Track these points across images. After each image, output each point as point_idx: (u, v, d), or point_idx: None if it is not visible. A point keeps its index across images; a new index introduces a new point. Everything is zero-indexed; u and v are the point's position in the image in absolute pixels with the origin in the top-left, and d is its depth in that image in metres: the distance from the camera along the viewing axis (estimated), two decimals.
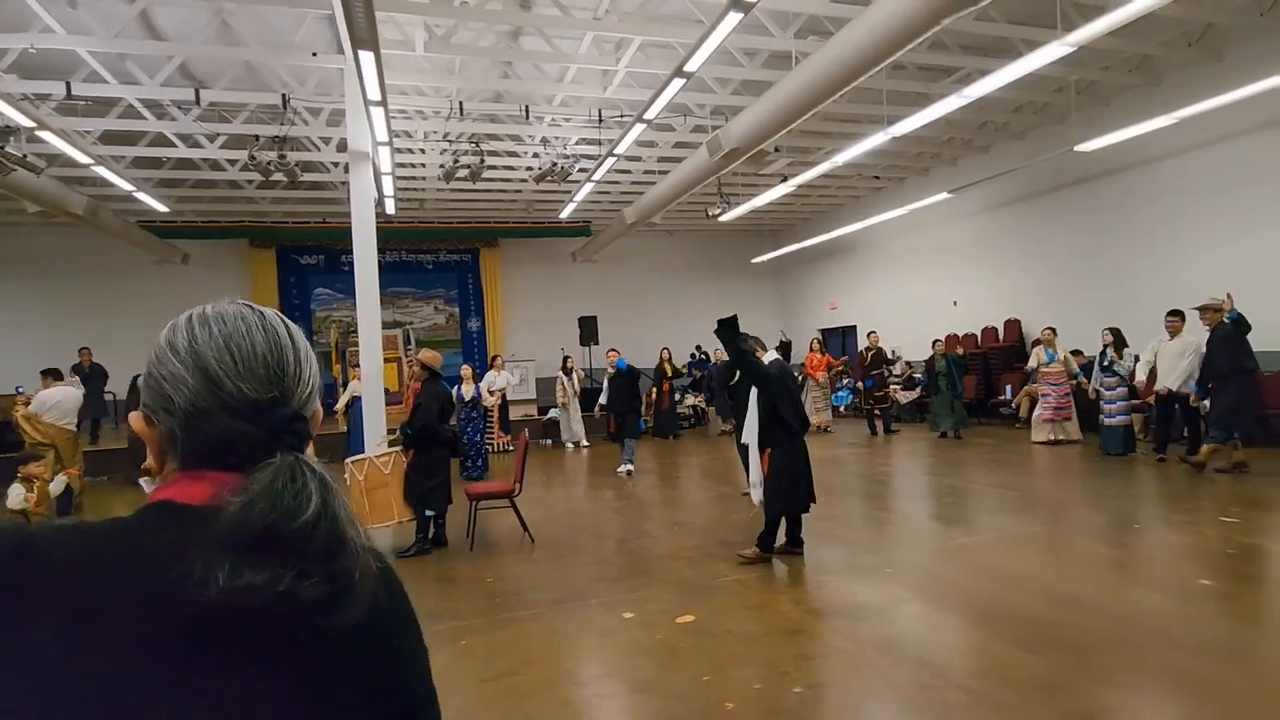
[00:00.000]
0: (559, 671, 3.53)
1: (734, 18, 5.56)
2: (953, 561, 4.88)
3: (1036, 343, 9.89)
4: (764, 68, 8.62)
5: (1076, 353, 9.67)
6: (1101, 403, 8.49)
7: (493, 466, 9.90)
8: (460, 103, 9.40)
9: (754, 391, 5.18)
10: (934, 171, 13.63)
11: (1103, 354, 8.54)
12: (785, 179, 11.29)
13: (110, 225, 11.77)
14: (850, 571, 4.79)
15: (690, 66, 6.55)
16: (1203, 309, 7.15)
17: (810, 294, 18.29)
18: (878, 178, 14.16)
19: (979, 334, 12.93)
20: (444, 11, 7.22)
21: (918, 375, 12.79)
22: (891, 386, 12.44)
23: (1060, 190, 11.26)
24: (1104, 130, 8.73)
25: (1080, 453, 8.85)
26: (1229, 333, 6.95)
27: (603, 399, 10.81)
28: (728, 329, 5.00)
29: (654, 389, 12.91)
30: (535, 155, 11.17)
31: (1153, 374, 7.86)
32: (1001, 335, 12.49)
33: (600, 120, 9.92)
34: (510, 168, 12.01)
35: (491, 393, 10.97)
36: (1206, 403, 7.93)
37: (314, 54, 7.70)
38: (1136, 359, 8.18)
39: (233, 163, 10.77)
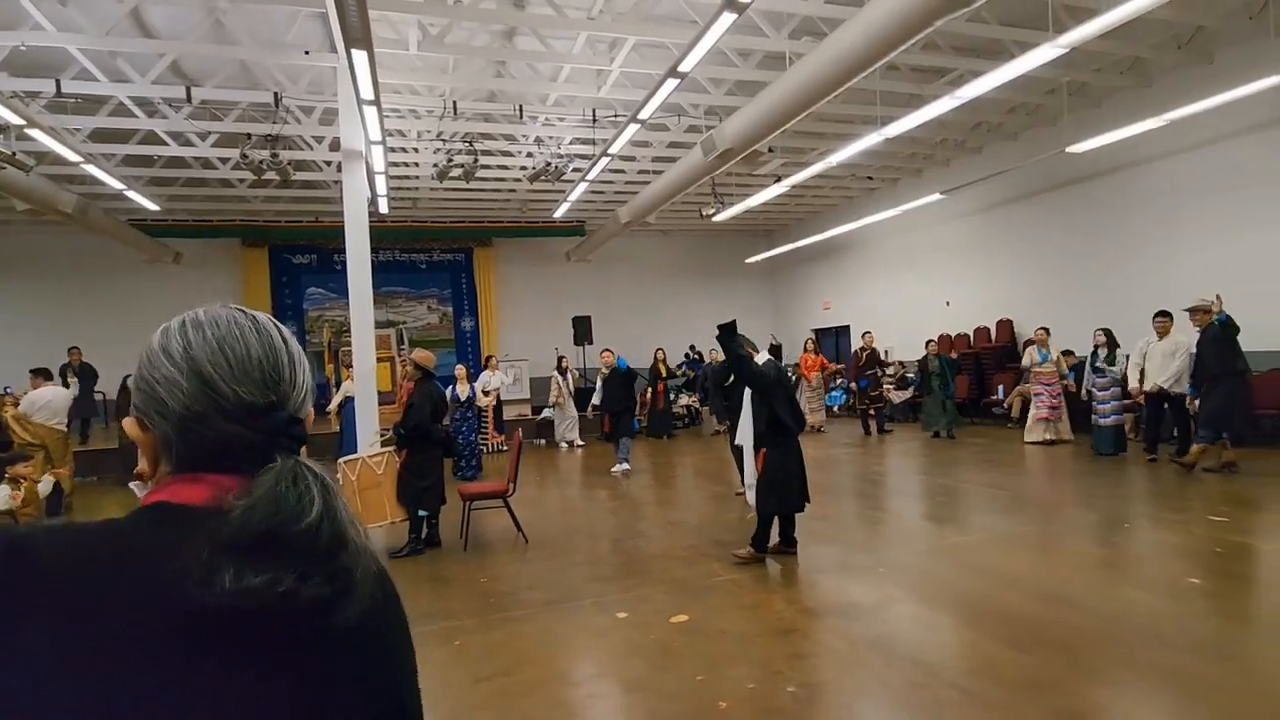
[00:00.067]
0: (553, 671, 3.53)
1: (728, 18, 5.57)
2: (945, 561, 4.90)
3: (1029, 342, 9.94)
4: (758, 68, 8.64)
5: (1068, 353, 9.73)
6: (1094, 403, 8.54)
7: (486, 466, 9.88)
8: (454, 102, 9.38)
9: (748, 392, 5.19)
10: (927, 172, 13.68)
11: (1094, 355, 8.59)
12: (779, 179, 11.32)
13: (101, 224, 11.69)
14: (843, 571, 4.80)
15: (684, 67, 6.55)
16: (1193, 310, 7.20)
17: (804, 294, 18.33)
18: (871, 178, 14.21)
19: (971, 334, 13.00)
20: (438, 10, 7.20)
21: (910, 375, 12.84)
22: (885, 387, 12.49)
23: (1052, 191, 11.32)
24: (1096, 132, 8.79)
25: (1072, 452, 8.90)
26: (1218, 334, 7.00)
27: (595, 399, 10.80)
28: (729, 334, 5.01)
29: (649, 389, 12.92)
30: (529, 155, 11.16)
31: (1141, 374, 7.90)
32: (994, 335, 12.56)
33: (594, 120, 9.92)
34: (504, 167, 11.99)
35: (486, 393, 10.95)
36: (1197, 403, 8.00)
37: (306, 52, 7.67)
38: (1127, 359, 8.23)
39: (224, 161, 10.72)
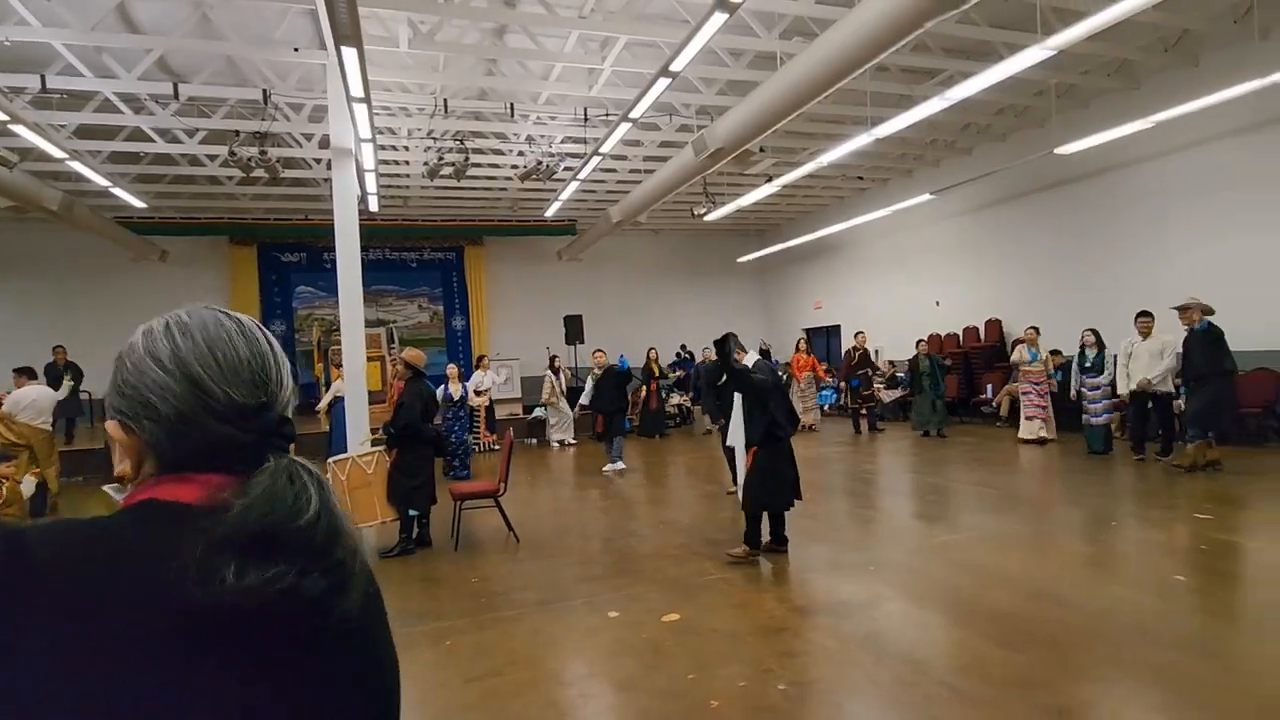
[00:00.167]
0: (544, 671, 3.53)
1: (719, 18, 5.57)
2: (935, 559, 4.93)
3: (1019, 341, 10.01)
4: (749, 68, 8.65)
5: (1055, 353, 9.81)
6: (1084, 402, 8.61)
7: (477, 466, 9.85)
8: (445, 100, 9.34)
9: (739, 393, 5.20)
10: (917, 173, 13.76)
11: (1081, 354, 8.66)
12: (770, 179, 11.35)
13: (86, 221, 11.56)
14: (834, 569, 4.82)
15: (676, 66, 6.56)
16: (1182, 308, 7.27)
17: (795, 293, 18.39)
18: (861, 179, 14.27)
19: (960, 334, 13.08)
20: (428, 8, 7.16)
21: (900, 374, 12.92)
22: (876, 386, 12.56)
23: (1041, 192, 11.41)
24: (1083, 133, 8.86)
25: (1059, 451, 8.97)
26: (1201, 338, 7.08)
27: (584, 398, 10.78)
28: (727, 355, 5.04)
29: (643, 388, 12.92)
30: (520, 153, 11.13)
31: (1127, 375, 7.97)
32: (983, 335, 12.64)
33: (586, 119, 9.91)
34: (495, 166, 11.95)
35: (478, 393, 10.92)
36: (1181, 402, 8.08)
37: (295, 49, 7.62)
38: (1114, 359, 8.30)
39: (212, 158, 10.62)
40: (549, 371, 12.49)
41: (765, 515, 5.11)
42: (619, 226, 13.25)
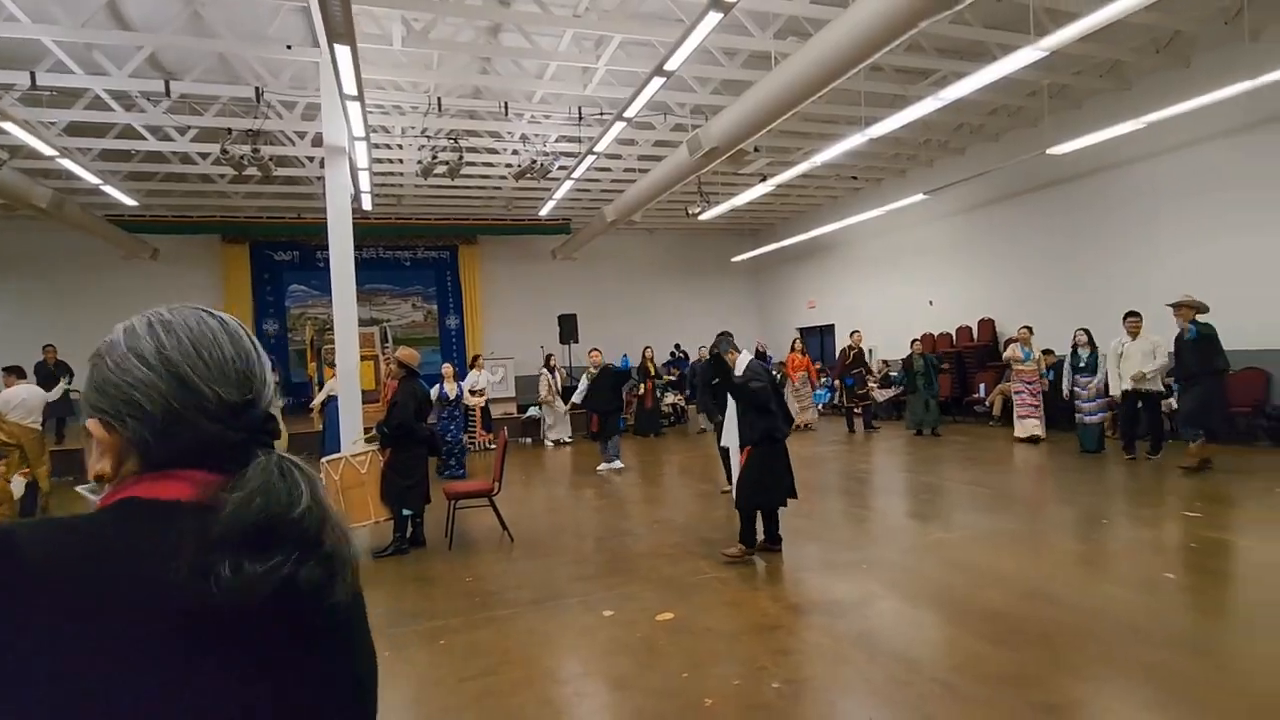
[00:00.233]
0: (538, 670, 3.52)
1: (714, 17, 5.58)
2: (928, 558, 4.95)
3: (1011, 341, 10.05)
4: (744, 67, 8.66)
5: (1047, 352, 9.86)
6: (1078, 401, 8.65)
7: (472, 465, 9.83)
8: (439, 98, 9.31)
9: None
10: (911, 173, 13.80)
11: (1075, 354, 8.70)
12: (764, 178, 11.36)
13: (76, 219, 11.47)
14: (828, 568, 4.84)
15: (670, 65, 6.55)
16: (1177, 305, 7.31)
17: (789, 293, 18.42)
18: (855, 178, 14.30)
19: (954, 333, 13.13)
20: (422, 5, 7.13)
21: (894, 374, 12.96)
22: (870, 385, 12.59)
23: (1033, 192, 11.46)
24: (1076, 134, 8.90)
25: (1051, 450, 9.02)
26: (1190, 346, 7.12)
27: (577, 396, 10.78)
28: (727, 374, 5.08)
29: (640, 386, 12.92)
30: (514, 152, 11.11)
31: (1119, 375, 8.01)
32: (975, 335, 12.70)
33: (580, 118, 9.90)
34: (489, 164, 11.93)
35: (474, 393, 10.90)
36: (1173, 401, 8.13)
37: (288, 46, 7.58)
38: (1104, 359, 8.35)
39: (204, 156, 10.56)
40: (545, 370, 12.47)
41: (760, 514, 5.12)
42: (613, 226, 13.24)
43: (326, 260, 7.62)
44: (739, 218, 16.70)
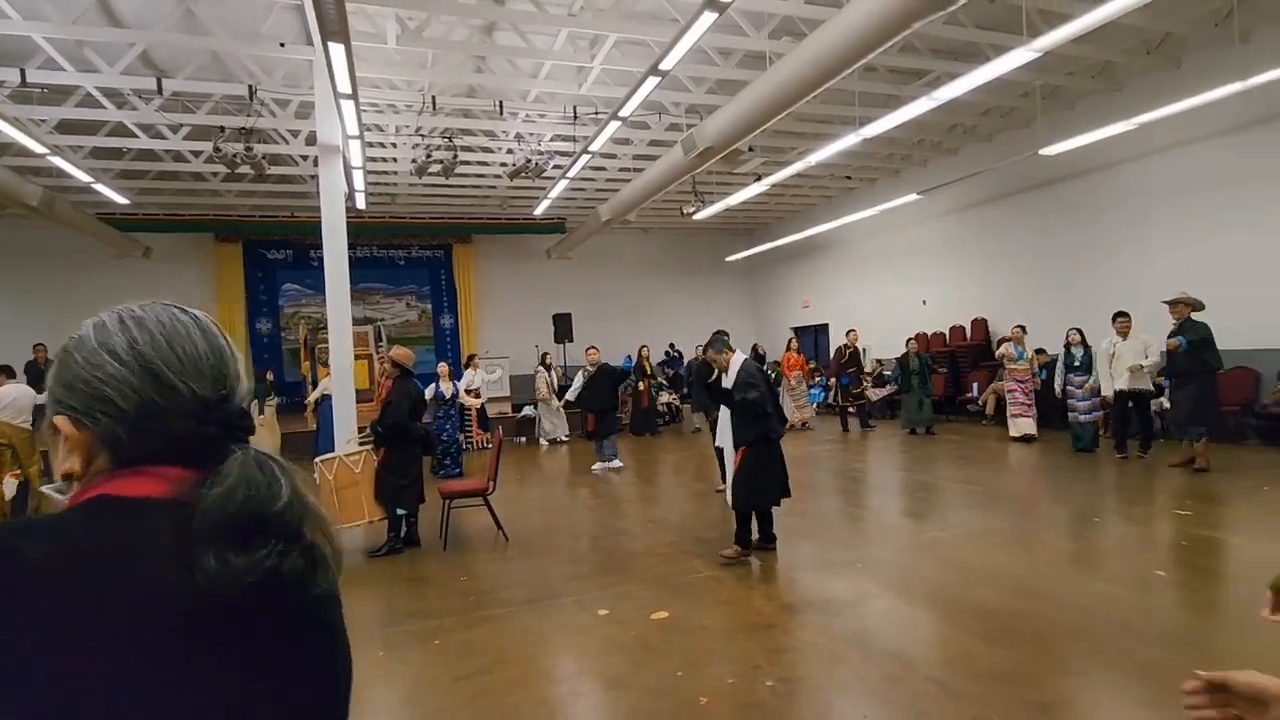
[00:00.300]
0: (533, 669, 3.52)
1: (709, 17, 5.58)
2: (922, 556, 4.97)
3: (1004, 340, 10.10)
4: (739, 67, 8.67)
5: (1040, 352, 9.92)
6: (1072, 400, 8.70)
7: (467, 464, 9.81)
8: (433, 97, 9.29)
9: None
10: (904, 173, 13.84)
11: (1068, 353, 8.75)
12: (759, 178, 11.37)
13: (67, 217, 11.39)
14: (822, 567, 4.85)
15: (665, 65, 6.55)
16: (1174, 302, 7.36)
17: (783, 292, 18.46)
18: (849, 178, 14.33)
19: (947, 332, 13.18)
20: (416, 4, 7.11)
21: (888, 373, 13.00)
22: (864, 384, 12.63)
23: (1026, 192, 11.52)
24: (1068, 134, 8.95)
25: (1044, 448, 9.07)
26: (1182, 357, 7.14)
27: (570, 394, 10.76)
28: (726, 393, 5.07)
29: (637, 383, 12.92)
30: (509, 151, 11.08)
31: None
32: (969, 334, 12.75)
33: (575, 117, 9.89)
34: (484, 163, 11.90)
35: (470, 392, 10.88)
36: (1164, 400, 8.18)
37: (281, 44, 7.55)
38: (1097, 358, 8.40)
39: (197, 154, 10.51)
40: (541, 368, 12.46)
41: (754, 513, 5.13)
42: (608, 225, 13.24)
43: (320, 259, 7.60)
44: (733, 217, 16.72)
